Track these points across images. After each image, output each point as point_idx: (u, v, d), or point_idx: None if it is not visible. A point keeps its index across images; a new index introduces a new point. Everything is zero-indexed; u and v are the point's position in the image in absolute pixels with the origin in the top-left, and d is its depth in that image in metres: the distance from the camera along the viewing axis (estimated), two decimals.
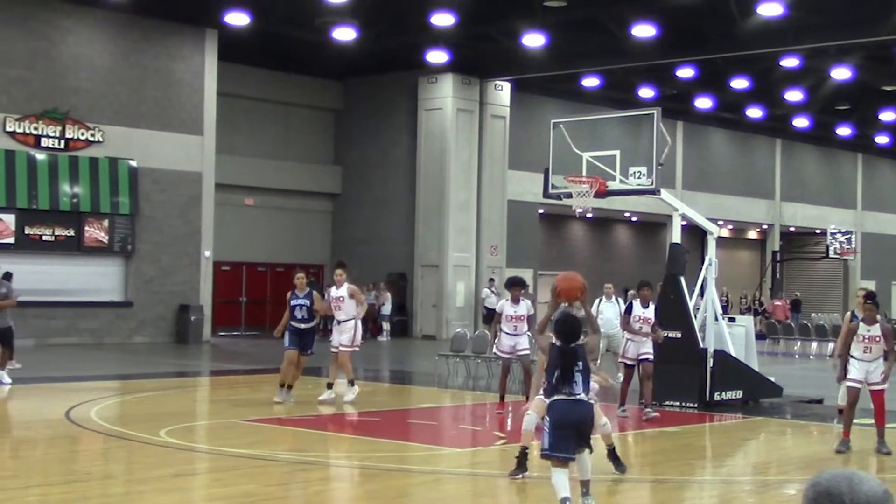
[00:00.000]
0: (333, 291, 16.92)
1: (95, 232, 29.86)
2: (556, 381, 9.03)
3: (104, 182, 29.97)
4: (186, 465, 12.14)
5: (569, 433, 8.90)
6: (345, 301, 16.67)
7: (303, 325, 16.80)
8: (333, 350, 16.88)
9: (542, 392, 10.56)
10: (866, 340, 12.96)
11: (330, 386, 16.98)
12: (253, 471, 11.39)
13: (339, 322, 16.82)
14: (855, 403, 13.14)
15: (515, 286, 16.31)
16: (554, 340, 9.32)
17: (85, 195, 29.67)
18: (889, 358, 12.94)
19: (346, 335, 16.69)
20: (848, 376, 13.18)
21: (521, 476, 10.67)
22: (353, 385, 16.90)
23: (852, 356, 13.13)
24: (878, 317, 13.17)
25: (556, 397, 9.01)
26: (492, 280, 35.93)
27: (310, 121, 38.78)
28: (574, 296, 10.41)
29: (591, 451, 9.38)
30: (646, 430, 15.06)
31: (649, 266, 43.14)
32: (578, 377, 9.03)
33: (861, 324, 13.03)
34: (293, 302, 16.76)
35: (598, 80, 37.72)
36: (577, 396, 8.99)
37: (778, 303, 41.24)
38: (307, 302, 16.74)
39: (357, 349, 17.11)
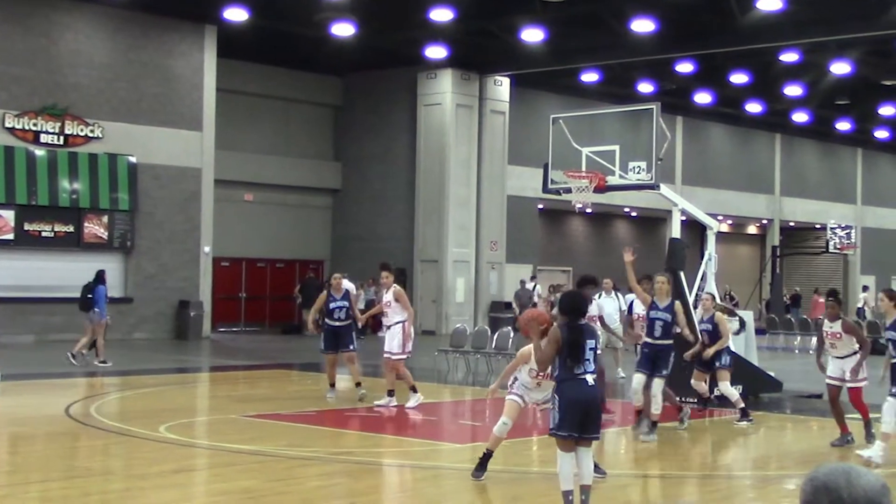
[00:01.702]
0: (384, 295, 16.44)
1: (95, 228, 29.86)
2: (568, 361, 8.81)
3: (103, 178, 29.96)
4: (186, 460, 12.15)
5: (576, 414, 8.78)
6: (391, 305, 16.18)
7: (338, 324, 17.12)
8: (386, 356, 16.38)
9: (513, 393, 10.46)
10: (830, 337, 13.19)
11: (391, 393, 16.34)
12: (252, 466, 11.40)
13: (388, 327, 16.37)
14: (835, 400, 13.31)
15: (589, 284, 15.94)
16: (559, 322, 9.16)
17: (84, 191, 29.67)
18: (861, 353, 13.00)
19: (395, 341, 16.14)
20: (826, 373, 13.38)
21: (482, 477, 10.53)
22: (415, 391, 16.28)
23: (828, 354, 13.40)
24: (841, 313, 13.45)
25: (566, 377, 8.84)
26: (534, 278, 36.09)
27: (309, 117, 38.76)
28: (525, 331, 10.05)
29: (598, 440, 9.32)
30: None
31: (649, 261, 43.12)
32: (591, 355, 8.87)
33: (825, 321, 13.36)
34: (332, 304, 17.06)
35: (598, 75, 37.69)
36: (587, 377, 8.83)
37: (821, 299, 40.27)
38: (346, 304, 17.19)
39: (409, 356, 16.57)
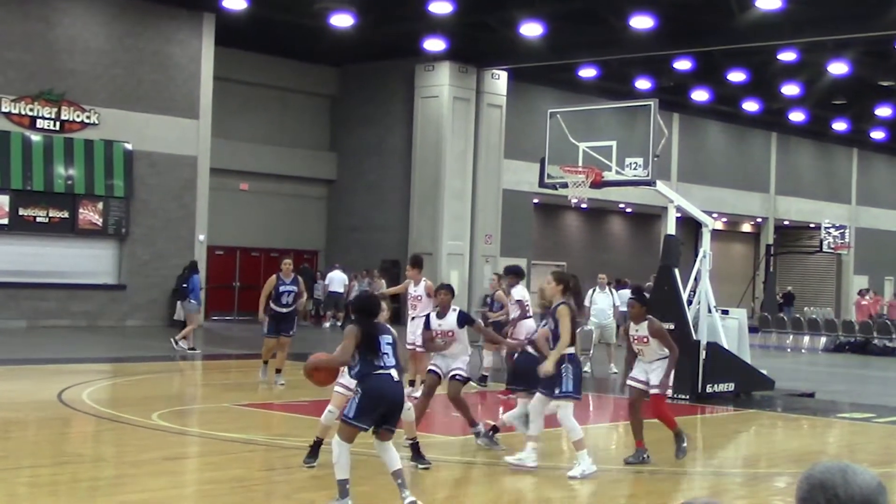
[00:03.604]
0: (411, 289, 16.29)
1: (90, 214, 29.82)
2: (367, 355, 8.82)
3: (99, 164, 29.91)
4: (178, 448, 12.15)
5: (380, 408, 8.81)
6: (423, 300, 16.07)
7: (285, 310, 17.50)
8: (410, 347, 16.27)
9: (339, 384, 10.42)
10: (636, 341, 11.71)
11: (412, 383, 16.26)
12: (244, 455, 11.41)
13: (413, 319, 16.21)
14: (633, 404, 11.82)
15: (517, 275, 16.37)
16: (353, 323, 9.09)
17: (80, 177, 29.62)
18: (669, 360, 11.58)
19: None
20: (630, 374, 11.94)
21: (314, 465, 10.64)
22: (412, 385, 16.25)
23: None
24: (649, 315, 11.71)
25: (369, 371, 8.81)
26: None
27: (306, 106, 38.72)
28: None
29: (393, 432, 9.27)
30: None
31: (644, 257, 43.20)
32: (389, 350, 8.91)
33: (630, 324, 11.81)
34: (281, 288, 17.41)
35: (596, 71, 37.67)
36: (392, 371, 8.87)
37: (864, 301, 37.19)
38: (294, 288, 17.55)
39: None
